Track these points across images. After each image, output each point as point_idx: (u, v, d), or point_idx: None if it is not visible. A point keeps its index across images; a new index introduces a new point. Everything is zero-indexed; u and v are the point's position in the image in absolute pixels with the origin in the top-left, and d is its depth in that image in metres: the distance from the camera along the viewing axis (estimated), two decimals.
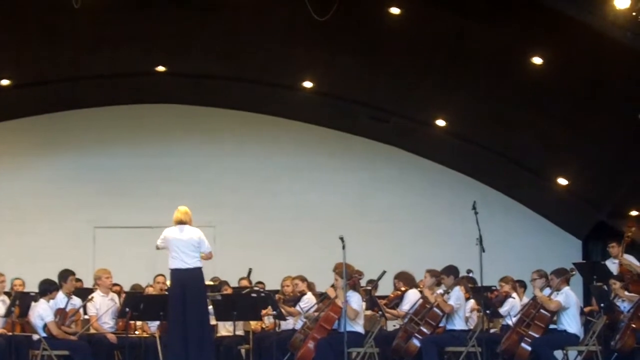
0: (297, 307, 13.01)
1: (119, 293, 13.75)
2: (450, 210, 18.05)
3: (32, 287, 12.85)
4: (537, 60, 13.63)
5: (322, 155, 18.55)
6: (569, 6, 11.86)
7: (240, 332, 13.34)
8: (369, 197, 18.57)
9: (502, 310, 12.84)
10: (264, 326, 13.57)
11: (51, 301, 12.18)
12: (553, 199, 17.72)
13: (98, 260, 16.81)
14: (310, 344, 12.01)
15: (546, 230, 18.40)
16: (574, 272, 12.34)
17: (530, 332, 11.85)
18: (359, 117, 17.84)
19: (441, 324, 12.34)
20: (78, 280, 13.56)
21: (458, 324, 12.25)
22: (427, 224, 18.37)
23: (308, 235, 17.98)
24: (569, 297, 11.91)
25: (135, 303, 12.37)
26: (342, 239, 11.58)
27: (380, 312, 12.84)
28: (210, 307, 12.52)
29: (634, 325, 12.24)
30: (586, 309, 13.53)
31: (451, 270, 12.45)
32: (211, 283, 13.89)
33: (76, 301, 12.54)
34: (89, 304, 12.77)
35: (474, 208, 11.75)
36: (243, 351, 13.57)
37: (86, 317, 12.94)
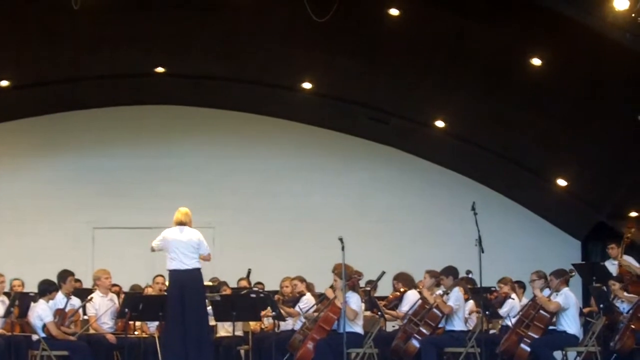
0: (296, 308, 13.01)
1: (118, 293, 13.75)
2: (450, 211, 18.04)
3: (32, 288, 12.84)
4: (536, 61, 13.64)
5: (322, 156, 18.55)
6: (569, 7, 11.88)
7: (239, 333, 13.34)
8: (368, 197, 18.57)
9: (502, 311, 12.84)
10: (263, 327, 13.57)
11: (50, 302, 12.17)
12: (552, 200, 17.72)
13: (97, 261, 16.82)
14: (310, 345, 12.00)
15: (545, 231, 18.39)
16: (573, 273, 12.32)
17: (529, 333, 11.85)
18: (358, 118, 17.85)
19: (440, 325, 12.34)
20: (77, 280, 13.57)
21: (457, 325, 12.25)
22: (426, 224, 18.37)
23: (307, 236, 17.98)
24: (568, 298, 11.91)
25: (135, 303, 12.36)
26: (341, 239, 11.58)
27: (379, 313, 12.85)
28: (210, 308, 12.53)
29: (633, 326, 12.23)
30: (585, 310, 13.53)
31: (450, 271, 12.45)
32: (210, 284, 13.90)
33: (75, 302, 12.54)
34: (88, 305, 12.78)
35: (473, 209, 11.75)
36: (242, 352, 13.58)
37: (85, 317, 12.95)
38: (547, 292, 12.06)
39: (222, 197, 18.22)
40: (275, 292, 13.69)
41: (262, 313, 12.86)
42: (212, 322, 13.02)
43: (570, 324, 11.91)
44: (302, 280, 13.53)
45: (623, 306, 12.71)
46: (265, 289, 14.27)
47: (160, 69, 16.84)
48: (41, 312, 12.03)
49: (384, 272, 13.18)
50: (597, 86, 13.76)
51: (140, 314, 12.40)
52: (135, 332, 13.04)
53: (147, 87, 17.68)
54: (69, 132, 18.22)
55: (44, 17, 14.18)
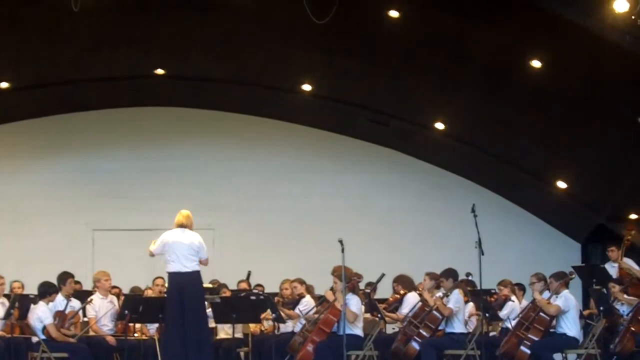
0: (296, 310, 13.01)
1: (118, 295, 13.74)
2: (450, 213, 18.03)
3: (31, 290, 12.83)
4: (536, 63, 13.63)
5: (322, 158, 18.55)
6: (569, 9, 11.88)
7: (239, 335, 13.33)
8: (368, 199, 18.56)
9: (502, 313, 12.84)
10: (263, 329, 13.56)
11: (50, 304, 12.16)
12: (552, 202, 17.72)
13: (97, 263, 16.83)
14: (310, 347, 12.00)
15: (545, 234, 18.40)
16: (573, 276, 12.33)
17: (529, 335, 11.85)
18: (358, 120, 17.84)
19: (440, 327, 12.33)
20: (77, 282, 13.57)
21: (457, 327, 12.24)
22: (426, 226, 18.37)
23: (307, 238, 17.98)
24: (568, 300, 11.90)
25: (135, 305, 12.36)
26: (341, 241, 11.58)
27: (379, 316, 12.84)
28: (209, 310, 12.53)
29: (633, 329, 12.23)
30: (585, 312, 13.52)
31: (450, 273, 12.44)
32: (210, 286, 13.89)
33: (75, 303, 12.53)
34: (88, 307, 12.76)
35: (473, 211, 11.74)
36: (242, 354, 13.57)
37: (85, 319, 12.93)
38: (547, 294, 12.06)
39: (222, 199, 18.21)
40: (275, 294, 13.68)
41: (262, 316, 12.85)
42: (212, 324, 13.02)
43: (570, 326, 11.91)
44: (301, 282, 13.53)
45: (623, 309, 12.70)
46: (265, 291, 14.29)
47: (160, 71, 16.84)
48: (41, 314, 12.03)
49: (383, 274, 13.19)
50: (597, 88, 13.75)
51: (140, 316, 12.40)
52: (135, 334, 13.03)
53: (146, 89, 17.68)
54: (69, 133, 18.21)
55: (44, 18, 14.17)
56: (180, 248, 11.53)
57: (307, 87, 16.93)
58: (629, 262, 13.73)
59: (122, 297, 13.39)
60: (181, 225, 11.72)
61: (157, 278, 13.95)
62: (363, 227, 18.08)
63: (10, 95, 16.86)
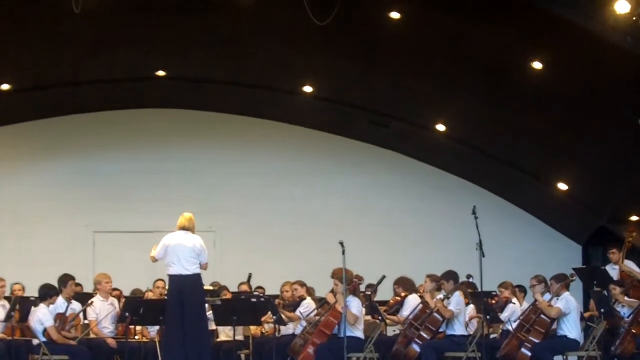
0: (297, 312, 13.00)
1: (118, 298, 13.74)
2: (450, 214, 18.03)
3: (32, 292, 12.83)
4: (537, 65, 13.62)
5: (322, 160, 18.54)
6: (569, 10, 11.87)
7: (239, 337, 13.32)
8: (369, 201, 18.55)
9: (503, 315, 12.84)
10: (263, 331, 13.56)
11: (51, 306, 12.17)
12: (553, 204, 17.71)
13: (98, 265, 16.82)
14: (310, 349, 12.00)
15: (546, 235, 18.39)
16: (574, 278, 12.32)
17: (530, 338, 11.84)
18: (358, 121, 17.83)
19: (441, 329, 12.32)
20: (78, 284, 13.56)
21: (458, 329, 12.22)
22: (427, 228, 18.36)
23: (308, 240, 17.97)
24: (569, 302, 11.90)
25: (135, 308, 12.37)
26: (342, 243, 11.57)
27: (380, 318, 12.83)
28: (210, 312, 12.52)
29: (634, 331, 12.21)
30: (586, 314, 13.51)
31: (451, 275, 12.42)
32: (211, 288, 13.87)
33: (76, 306, 12.54)
34: (88, 309, 12.77)
35: (473, 213, 11.73)
36: (243, 356, 13.56)
37: (86, 321, 12.94)
38: (547, 296, 12.05)
39: (223, 201, 18.20)
40: (276, 297, 13.68)
41: (263, 319, 12.85)
42: (212, 327, 13.02)
43: (571, 328, 11.91)
44: (302, 284, 13.52)
45: (624, 311, 12.68)
46: (266, 293, 14.28)
47: (160, 73, 16.83)
48: (42, 317, 12.03)
49: (384, 276, 13.19)
50: (598, 89, 13.75)
51: (140, 318, 12.41)
52: (136, 337, 13.04)
53: (147, 91, 17.67)
54: (69, 135, 18.19)
55: (44, 19, 14.15)
56: (182, 251, 11.55)
57: (308, 89, 16.93)
58: (630, 265, 13.72)
59: (123, 300, 13.41)
60: (183, 228, 11.74)
61: (157, 280, 13.96)
62: (363, 228, 18.08)
63: (11, 97, 16.85)
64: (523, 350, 11.82)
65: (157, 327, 12.92)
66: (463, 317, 12.34)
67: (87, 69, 16.30)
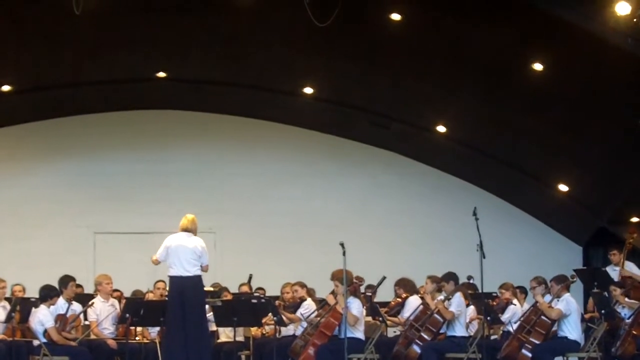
0: (297, 314, 13.00)
1: (119, 299, 13.74)
2: (451, 216, 18.03)
3: (33, 293, 12.82)
4: (537, 66, 13.63)
5: (323, 161, 18.54)
6: (570, 12, 11.87)
7: (240, 338, 13.31)
8: (369, 202, 18.56)
9: (504, 317, 12.84)
10: (264, 332, 13.55)
11: (51, 307, 12.17)
12: (554, 205, 17.71)
13: (98, 266, 16.81)
14: (311, 350, 12.00)
15: (547, 237, 18.39)
16: (574, 279, 12.31)
17: (530, 339, 11.84)
18: (358, 122, 17.83)
19: (442, 331, 12.32)
20: (78, 286, 13.57)
21: (459, 331, 12.22)
22: (427, 229, 18.36)
23: (308, 241, 17.97)
24: (569, 304, 11.89)
25: (136, 309, 12.37)
26: (342, 244, 11.56)
27: (380, 319, 12.83)
28: (211, 313, 12.52)
29: (634, 332, 12.22)
30: (587, 316, 13.50)
31: (451, 277, 12.42)
32: (211, 289, 13.87)
33: (76, 307, 12.54)
34: (89, 310, 12.77)
35: (474, 214, 11.73)
36: (243, 357, 13.53)
37: (86, 322, 12.94)
38: (548, 297, 12.05)
39: (223, 202, 18.20)
40: (276, 298, 13.68)
41: (264, 320, 12.85)
42: (213, 328, 13.02)
43: (572, 329, 11.90)
44: (302, 285, 13.52)
45: (624, 312, 12.68)
46: (266, 294, 14.28)
47: (161, 74, 16.83)
48: (42, 318, 12.03)
49: (384, 277, 13.18)
50: (598, 90, 13.75)
51: (141, 319, 12.41)
52: (137, 338, 13.03)
53: (147, 92, 17.67)
54: (70, 137, 18.20)
55: (44, 20, 14.16)
56: (183, 252, 11.55)
57: (308, 90, 16.93)
58: (631, 268, 13.73)
59: (124, 301, 13.40)
60: (186, 230, 11.75)
61: (158, 281, 13.95)
62: (364, 229, 18.08)
63: (11, 98, 16.86)
64: (524, 351, 11.82)
65: (157, 328, 12.92)
66: (464, 318, 12.34)
67: (88, 70, 16.31)
